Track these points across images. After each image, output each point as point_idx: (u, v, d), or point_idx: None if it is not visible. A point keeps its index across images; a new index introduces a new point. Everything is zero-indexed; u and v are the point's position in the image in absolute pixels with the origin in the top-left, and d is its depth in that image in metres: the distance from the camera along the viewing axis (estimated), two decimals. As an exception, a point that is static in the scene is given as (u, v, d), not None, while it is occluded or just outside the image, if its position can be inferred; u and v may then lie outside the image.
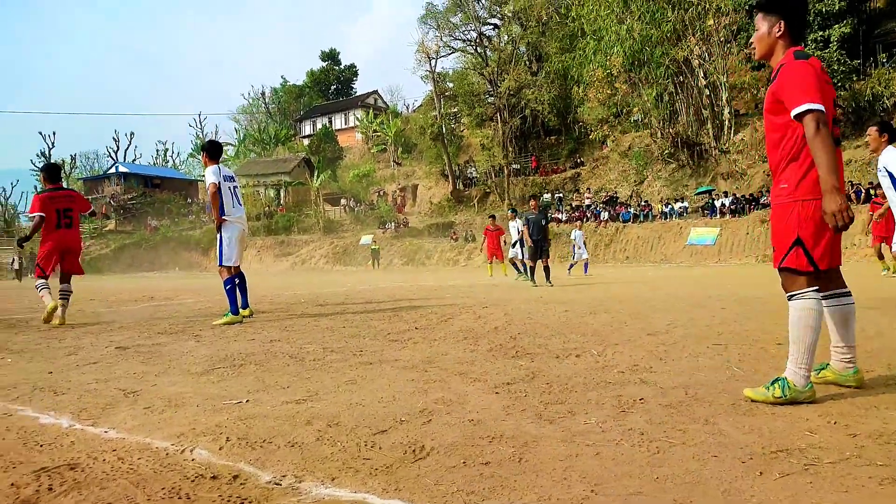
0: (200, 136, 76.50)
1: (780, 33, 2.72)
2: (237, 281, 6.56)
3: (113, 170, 56.78)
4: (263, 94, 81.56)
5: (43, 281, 6.90)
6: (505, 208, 39.23)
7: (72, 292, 7.05)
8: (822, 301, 2.69)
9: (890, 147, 5.49)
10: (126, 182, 52.66)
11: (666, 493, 1.70)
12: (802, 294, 2.61)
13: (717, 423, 2.32)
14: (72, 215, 7.02)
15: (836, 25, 28.55)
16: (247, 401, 2.86)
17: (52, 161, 37.13)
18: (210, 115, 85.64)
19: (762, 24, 2.77)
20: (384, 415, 2.57)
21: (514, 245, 14.90)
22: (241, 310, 6.51)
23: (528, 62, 42.93)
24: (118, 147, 68.95)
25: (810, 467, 1.84)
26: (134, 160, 68.74)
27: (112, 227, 48.29)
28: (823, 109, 2.48)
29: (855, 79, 27.09)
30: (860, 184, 23.97)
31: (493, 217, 17.80)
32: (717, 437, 2.16)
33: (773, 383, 2.61)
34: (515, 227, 14.33)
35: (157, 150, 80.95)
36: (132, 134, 70.20)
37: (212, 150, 6.70)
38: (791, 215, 2.62)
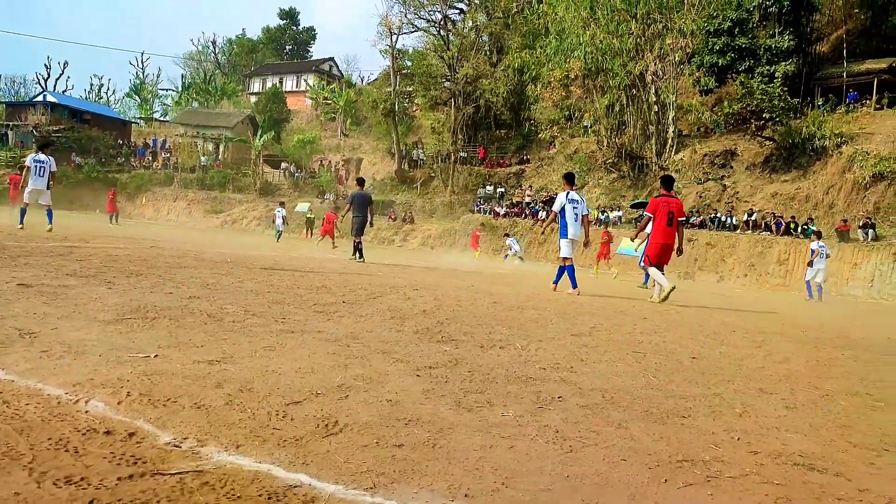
0: (141, 76, 72.80)
1: None
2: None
3: (40, 98, 53.07)
4: (214, 42, 78.47)
5: None
6: (448, 195, 39.33)
7: None
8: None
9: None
10: (53, 113, 49.21)
11: (575, 492, 1.70)
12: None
13: (629, 427, 2.37)
14: None
15: (783, 63, 29.93)
16: (155, 356, 2.70)
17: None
18: (154, 55, 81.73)
19: None
20: (300, 385, 2.48)
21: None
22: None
23: (488, 52, 42.95)
24: (49, 75, 64.78)
25: (712, 479, 1.90)
26: (65, 91, 64.66)
27: (31, 159, 45.25)
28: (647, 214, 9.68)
29: (792, 116, 28.44)
30: (781, 216, 25.30)
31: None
32: (628, 441, 2.20)
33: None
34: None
35: (91, 85, 76.67)
36: (66, 63, 65.79)
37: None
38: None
